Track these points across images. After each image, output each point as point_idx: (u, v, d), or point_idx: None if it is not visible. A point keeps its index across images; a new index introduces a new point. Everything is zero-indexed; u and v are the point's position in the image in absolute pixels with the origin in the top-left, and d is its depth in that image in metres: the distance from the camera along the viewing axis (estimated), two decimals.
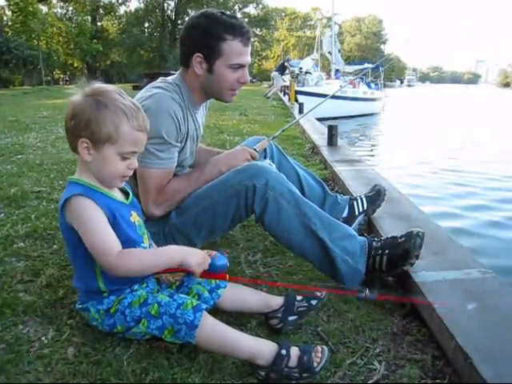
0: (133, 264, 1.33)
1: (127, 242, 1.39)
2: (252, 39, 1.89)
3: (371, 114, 19.78)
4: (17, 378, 1.26)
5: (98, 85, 1.36)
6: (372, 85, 22.90)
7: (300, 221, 1.76)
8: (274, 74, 20.88)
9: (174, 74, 1.98)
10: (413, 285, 1.69)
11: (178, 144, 1.87)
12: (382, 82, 24.68)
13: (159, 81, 1.93)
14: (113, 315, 1.39)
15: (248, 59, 1.88)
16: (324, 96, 15.44)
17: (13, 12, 33.36)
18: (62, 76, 44.34)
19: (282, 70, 20.92)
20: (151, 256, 1.41)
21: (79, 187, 1.34)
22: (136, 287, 1.44)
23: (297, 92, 16.38)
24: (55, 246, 2.15)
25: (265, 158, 2.22)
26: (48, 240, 2.24)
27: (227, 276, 1.49)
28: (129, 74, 47.54)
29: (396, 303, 1.71)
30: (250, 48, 1.88)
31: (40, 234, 2.31)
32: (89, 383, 1.25)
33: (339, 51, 23.17)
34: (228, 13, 1.88)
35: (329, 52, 22.40)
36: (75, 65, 44.70)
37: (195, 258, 1.40)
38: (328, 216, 1.82)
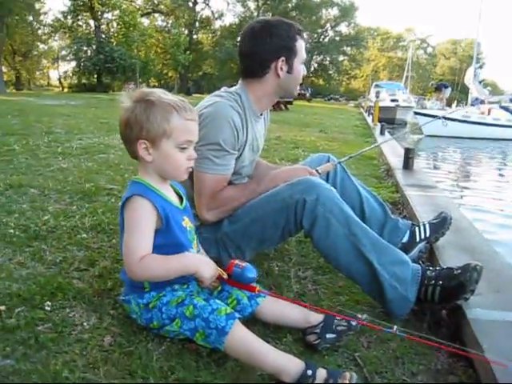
0: (150, 270, 1.37)
1: (177, 245, 1.44)
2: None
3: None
4: (55, 356, 1.33)
5: (143, 89, 1.45)
6: None
7: (349, 240, 1.70)
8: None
9: None
10: (465, 321, 1.58)
11: (235, 152, 1.90)
12: None
13: (221, 90, 1.98)
14: (151, 310, 1.43)
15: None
16: (440, 117, 15.66)
17: (118, 24, 36.69)
18: (156, 84, 46.86)
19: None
20: (170, 263, 1.41)
21: (141, 187, 1.42)
22: (176, 287, 1.46)
23: (416, 113, 19.22)
24: (114, 240, 2.25)
25: (327, 181, 2.15)
26: (109, 234, 2.35)
27: (256, 288, 1.46)
28: (219, 86, 48.90)
29: (446, 337, 1.60)
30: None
31: (103, 227, 2.43)
32: (116, 371, 1.29)
33: (480, 82, 23.49)
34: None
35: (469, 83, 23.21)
36: (169, 74, 47.11)
37: (209, 269, 1.42)
38: (380, 239, 1.75)
